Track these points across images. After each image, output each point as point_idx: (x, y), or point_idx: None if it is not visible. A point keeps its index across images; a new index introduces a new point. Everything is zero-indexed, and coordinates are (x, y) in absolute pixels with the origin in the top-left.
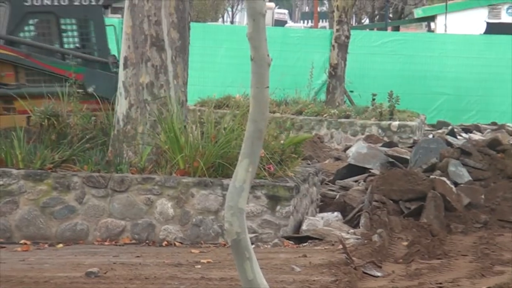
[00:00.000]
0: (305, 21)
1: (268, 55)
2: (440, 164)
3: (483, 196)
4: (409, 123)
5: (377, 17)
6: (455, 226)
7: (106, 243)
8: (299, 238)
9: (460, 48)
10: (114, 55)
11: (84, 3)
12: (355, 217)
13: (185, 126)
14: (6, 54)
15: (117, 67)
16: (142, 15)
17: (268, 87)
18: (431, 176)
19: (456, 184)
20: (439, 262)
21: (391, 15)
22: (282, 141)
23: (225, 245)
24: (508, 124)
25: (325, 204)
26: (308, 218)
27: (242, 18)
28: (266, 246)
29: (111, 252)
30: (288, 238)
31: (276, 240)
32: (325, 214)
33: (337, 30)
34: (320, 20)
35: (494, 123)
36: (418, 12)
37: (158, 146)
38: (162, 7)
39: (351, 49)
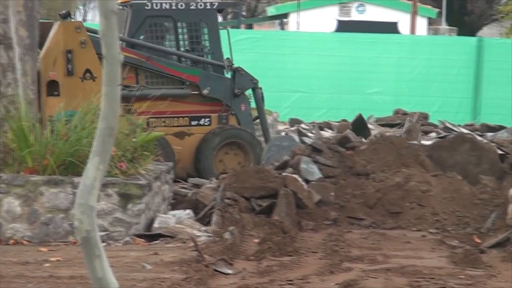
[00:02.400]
0: None
1: (119, 53)
2: (292, 161)
3: (333, 193)
4: None
5: (230, 15)
6: (306, 223)
7: None
8: (150, 236)
9: (312, 46)
10: (228, 58)
11: (200, 8)
12: (207, 215)
13: (34, 124)
14: (128, 57)
15: (231, 70)
16: None
17: (120, 84)
18: (283, 174)
19: (307, 181)
20: (290, 259)
21: (244, 13)
22: (134, 139)
23: (75, 243)
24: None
25: (177, 202)
26: (160, 216)
27: (94, 16)
28: (117, 244)
29: None
30: (139, 236)
31: (127, 238)
32: (177, 212)
33: None
34: None
35: (344, 121)
36: (271, 10)
37: (6, 144)
38: (10, 5)
39: None
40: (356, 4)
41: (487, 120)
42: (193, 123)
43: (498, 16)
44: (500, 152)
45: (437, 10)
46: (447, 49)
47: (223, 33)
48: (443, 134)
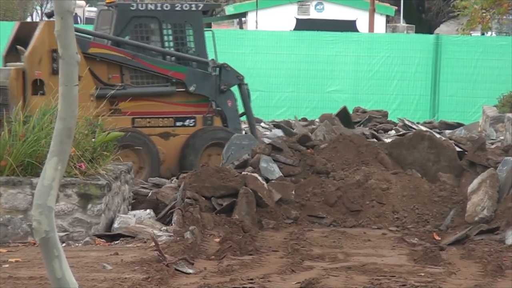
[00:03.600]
0: None
1: (77, 53)
2: (252, 160)
3: (293, 192)
4: None
5: None
6: (266, 222)
7: None
8: (111, 236)
9: (270, 45)
10: (213, 59)
11: (185, 9)
12: (167, 215)
13: None
14: (113, 55)
15: (215, 70)
16: None
17: (77, 85)
18: (243, 173)
19: (267, 180)
20: (251, 258)
21: None
22: (93, 139)
23: (34, 244)
24: (317, 120)
25: (137, 202)
26: (120, 216)
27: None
28: (77, 244)
29: None
30: (99, 236)
31: (87, 239)
32: (137, 212)
33: None
34: None
35: (304, 119)
36: (229, 9)
37: None
38: None
39: None
40: (314, 2)
41: (446, 117)
42: (178, 123)
43: (455, 12)
44: (458, 149)
45: (395, 8)
46: (405, 46)
47: (208, 34)
48: (402, 131)
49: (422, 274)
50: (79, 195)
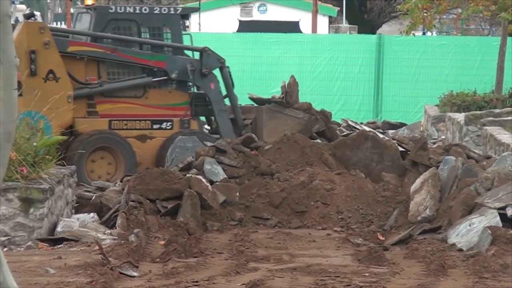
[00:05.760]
0: (59, 23)
1: (15, 57)
2: (196, 162)
3: (238, 194)
4: None
5: None
6: (211, 224)
7: None
8: (54, 240)
9: (213, 47)
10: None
11: (164, 12)
12: (111, 218)
13: None
14: (94, 51)
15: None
16: None
17: (16, 88)
18: (188, 175)
19: (212, 182)
20: (196, 261)
21: None
22: (35, 143)
23: None
24: None
25: (81, 206)
26: (64, 219)
27: None
28: (19, 249)
29: None
30: (42, 240)
31: (30, 243)
32: (81, 215)
33: None
34: None
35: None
36: None
37: None
38: None
39: None
40: (257, 4)
41: (389, 117)
42: (155, 126)
43: (398, 14)
44: (401, 149)
45: (337, 8)
46: (348, 47)
47: (186, 38)
48: (346, 132)
49: (367, 274)
50: (21, 200)
